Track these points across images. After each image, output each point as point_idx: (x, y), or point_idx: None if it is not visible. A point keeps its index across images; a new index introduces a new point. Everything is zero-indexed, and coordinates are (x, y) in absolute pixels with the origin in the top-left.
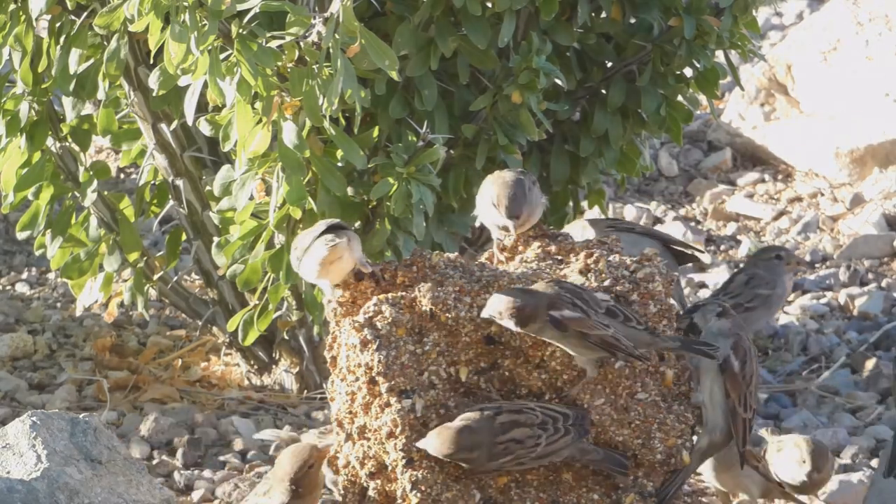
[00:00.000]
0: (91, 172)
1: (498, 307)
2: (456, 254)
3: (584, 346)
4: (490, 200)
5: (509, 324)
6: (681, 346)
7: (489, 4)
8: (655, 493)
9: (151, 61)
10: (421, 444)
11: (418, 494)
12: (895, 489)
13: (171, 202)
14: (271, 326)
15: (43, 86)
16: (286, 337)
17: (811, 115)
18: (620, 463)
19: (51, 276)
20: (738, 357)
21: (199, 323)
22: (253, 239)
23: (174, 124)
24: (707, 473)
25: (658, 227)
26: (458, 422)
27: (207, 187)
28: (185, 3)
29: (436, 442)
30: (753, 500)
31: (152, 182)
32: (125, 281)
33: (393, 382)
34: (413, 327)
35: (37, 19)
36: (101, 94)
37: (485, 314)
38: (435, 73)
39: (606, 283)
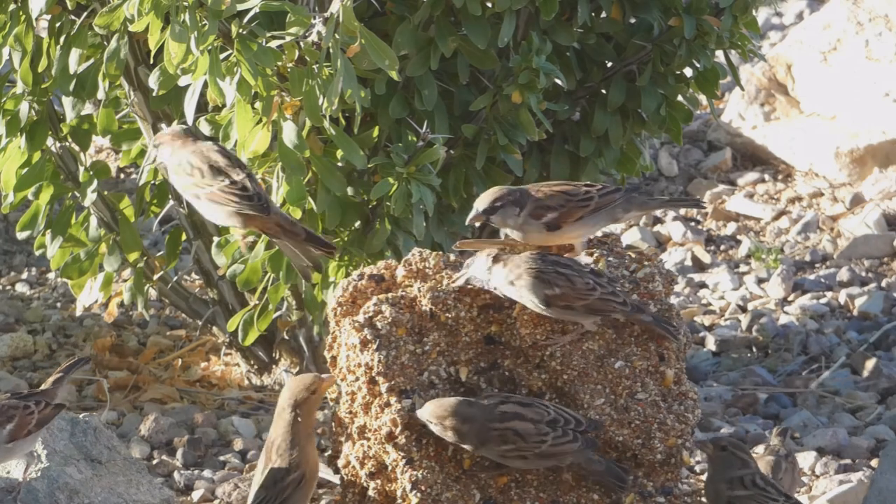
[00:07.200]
0: (91, 172)
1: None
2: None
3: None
4: None
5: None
6: (652, 321)
7: (489, 4)
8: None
9: (151, 61)
10: (418, 413)
11: (418, 494)
12: (895, 489)
13: (171, 202)
14: (271, 326)
15: (43, 86)
16: (286, 337)
17: (811, 115)
18: (620, 477)
19: (51, 276)
20: None
21: (199, 323)
22: (253, 239)
23: (174, 124)
24: None
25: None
26: (457, 397)
27: None
28: (185, 3)
29: (431, 406)
30: None
31: (152, 182)
32: (125, 281)
33: (393, 382)
34: (413, 327)
35: (37, 19)
36: (101, 94)
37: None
38: (435, 73)
39: None
